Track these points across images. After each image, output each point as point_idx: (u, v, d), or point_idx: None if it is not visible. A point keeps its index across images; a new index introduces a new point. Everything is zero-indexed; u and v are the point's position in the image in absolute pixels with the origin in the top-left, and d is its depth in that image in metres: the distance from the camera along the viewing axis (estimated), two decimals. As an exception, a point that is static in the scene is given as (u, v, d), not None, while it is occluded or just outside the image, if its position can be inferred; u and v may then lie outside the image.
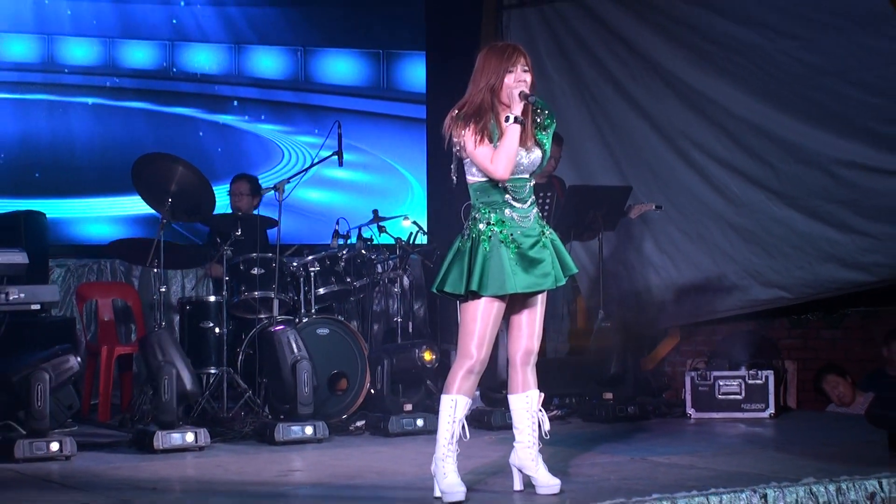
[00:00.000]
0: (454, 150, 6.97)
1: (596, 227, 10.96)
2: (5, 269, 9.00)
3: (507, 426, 9.68)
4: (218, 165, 12.89)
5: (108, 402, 10.78)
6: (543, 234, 7.04)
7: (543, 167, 7.14)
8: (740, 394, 10.57)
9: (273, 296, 10.31)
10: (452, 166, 7.02)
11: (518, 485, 7.16)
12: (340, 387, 10.19)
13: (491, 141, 6.82)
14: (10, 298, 8.87)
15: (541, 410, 7.15)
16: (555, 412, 10.63)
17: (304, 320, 10.14)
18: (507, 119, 6.79)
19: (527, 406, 7.10)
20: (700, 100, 12.13)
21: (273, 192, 10.26)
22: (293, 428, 9.29)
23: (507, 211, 6.92)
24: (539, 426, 7.13)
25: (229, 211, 11.34)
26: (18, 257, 9.07)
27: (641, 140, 12.61)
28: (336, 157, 10.59)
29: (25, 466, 8.21)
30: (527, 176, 6.98)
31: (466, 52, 13.85)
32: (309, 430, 9.32)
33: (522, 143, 6.88)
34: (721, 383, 10.59)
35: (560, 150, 11.48)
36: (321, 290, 10.53)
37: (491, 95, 6.87)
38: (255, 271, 10.43)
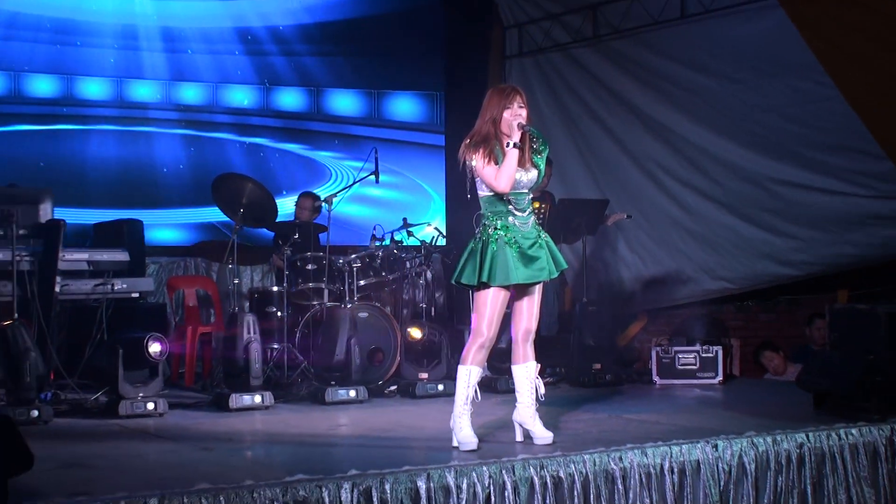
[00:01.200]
0: (467, 170, 7.05)
1: (580, 231, 10.94)
2: (111, 265, 9.05)
3: (510, 390, 9.71)
4: (280, 182, 12.86)
5: (192, 371, 10.77)
6: (540, 236, 7.12)
7: (539, 184, 7.20)
8: (696, 364, 10.53)
9: (324, 286, 10.30)
10: (467, 183, 7.13)
11: (519, 437, 7.21)
12: (377, 359, 10.17)
13: (496, 163, 6.93)
14: (116, 288, 8.93)
15: (537, 378, 7.19)
16: (548, 379, 10.59)
17: (348, 306, 10.12)
18: (507, 145, 6.89)
19: (527, 374, 7.16)
20: (663, 130, 12.15)
21: (324, 203, 10.26)
22: (340, 391, 9.27)
23: (510, 219, 7.02)
24: (536, 390, 7.17)
25: (291, 219, 11.29)
26: (122, 256, 9.12)
27: (615, 162, 12.63)
28: (374, 176, 10.57)
29: (127, 422, 8.21)
30: (525, 191, 7.06)
31: (477, 92, 13.86)
32: (352, 393, 9.30)
33: (521, 164, 6.97)
34: (680, 356, 10.56)
35: (551, 169, 11.42)
36: (362, 282, 10.52)
37: (494, 127, 6.98)
38: (309, 267, 10.42)
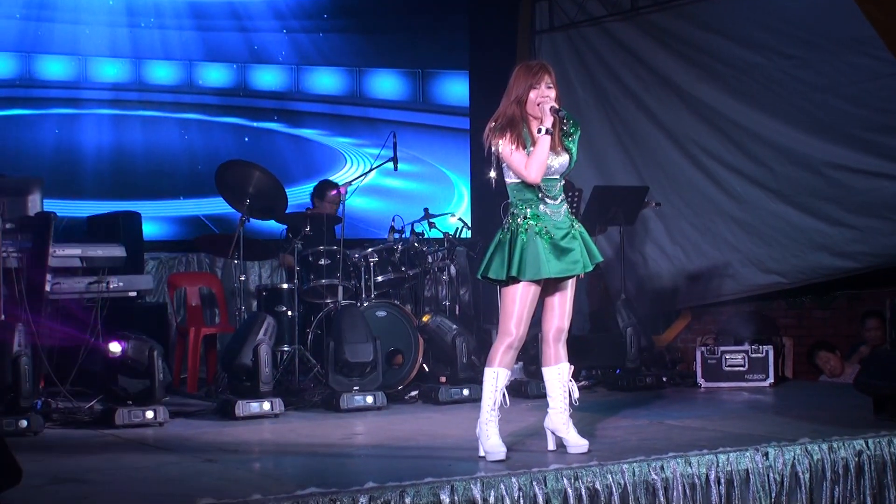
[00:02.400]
0: (493, 156, 7.00)
1: (617, 221, 10.92)
2: (106, 261, 9.02)
3: (542, 395, 9.69)
4: (290, 170, 12.86)
5: (195, 376, 10.79)
6: (573, 227, 7.05)
7: (572, 168, 7.13)
8: (744, 366, 10.53)
9: (338, 283, 10.29)
10: (492, 169, 7.14)
11: (552, 445, 7.17)
12: (396, 361, 10.16)
13: (524, 148, 6.88)
14: (111, 287, 8.91)
15: (571, 381, 7.15)
16: (582, 382, 10.60)
17: (365, 304, 10.11)
18: (539, 130, 6.84)
19: (559, 377, 7.11)
20: (707, 111, 12.11)
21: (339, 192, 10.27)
22: (356, 397, 9.26)
23: (540, 207, 6.95)
24: (570, 394, 7.13)
25: (301, 210, 11.27)
26: (118, 251, 9.10)
27: (656, 146, 12.60)
28: (392, 163, 10.56)
29: (124, 432, 8.21)
30: (557, 177, 7.01)
31: (504, 70, 13.83)
32: (370, 399, 9.29)
33: (552, 148, 6.90)
34: (727, 357, 10.57)
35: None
36: (379, 278, 10.50)
37: (519, 108, 6.94)
38: (322, 262, 10.40)
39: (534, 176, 6.84)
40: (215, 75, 13.25)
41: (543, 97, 6.89)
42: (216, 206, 11.70)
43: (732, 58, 11.87)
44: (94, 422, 8.55)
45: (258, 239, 11.09)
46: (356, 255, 10.49)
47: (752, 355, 10.56)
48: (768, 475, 6.88)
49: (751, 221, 11.98)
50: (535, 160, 6.83)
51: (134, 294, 9.16)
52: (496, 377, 6.98)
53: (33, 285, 8.42)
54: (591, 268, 7.11)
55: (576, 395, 7.17)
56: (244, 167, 10.17)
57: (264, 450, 7.89)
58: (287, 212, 10.58)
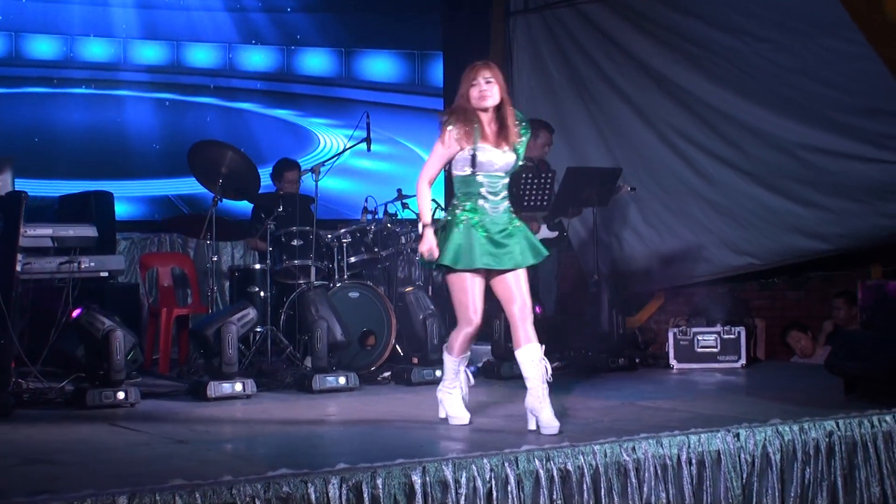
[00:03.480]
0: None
1: (591, 202, 10.92)
2: (78, 241, 8.96)
3: (515, 376, 9.72)
4: (262, 151, 12.83)
5: (167, 357, 10.74)
6: (512, 223, 7.31)
7: (516, 168, 7.37)
8: (716, 347, 10.56)
9: (311, 264, 10.27)
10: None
11: (531, 425, 7.25)
12: (369, 342, 10.14)
13: (472, 143, 7.17)
14: (83, 267, 8.84)
15: (543, 359, 7.22)
16: (555, 364, 10.56)
17: (337, 285, 10.10)
18: (420, 228, 7.33)
19: (531, 357, 7.20)
20: (681, 93, 12.10)
21: (311, 173, 10.23)
22: (328, 378, 9.24)
23: (480, 202, 7.23)
24: (546, 372, 7.23)
25: (272, 191, 11.25)
26: (89, 231, 9.04)
27: (629, 127, 12.59)
28: (365, 143, 10.54)
29: (95, 412, 8.18)
30: (502, 174, 7.27)
31: (479, 52, 13.90)
32: (342, 380, 9.26)
33: (498, 146, 7.22)
34: (700, 338, 10.59)
35: (551, 137, 11.46)
36: (352, 259, 10.49)
37: (468, 104, 7.22)
38: (294, 242, 10.38)
39: (422, 179, 7.29)
40: (195, 55, 13.19)
41: (483, 94, 7.17)
42: (188, 186, 11.66)
43: (707, 40, 11.83)
44: (66, 402, 8.51)
45: (230, 219, 11.08)
46: (329, 236, 10.47)
47: (725, 336, 10.58)
48: (739, 456, 6.89)
49: (724, 203, 11.98)
50: (424, 179, 7.31)
51: (106, 274, 9.09)
52: (457, 363, 7.47)
53: (4, 266, 8.37)
54: (529, 263, 7.32)
55: (549, 372, 7.25)
56: (217, 147, 10.16)
57: (236, 431, 7.87)
58: (260, 192, 10.56)
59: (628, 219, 12.56)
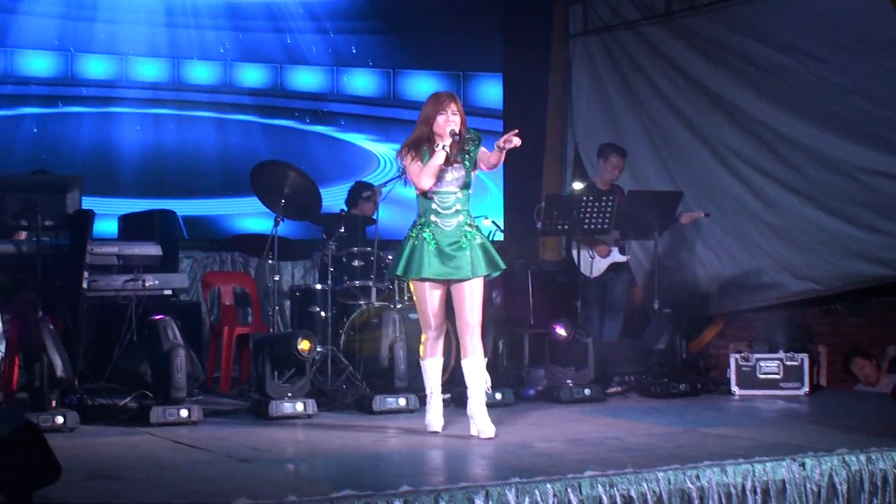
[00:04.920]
0: (399, 169, 8.19)
1: (651, 227, 10.86)
2: (142, 259, 9.04)
3: (575, 400, 9.70)
4: (324, 171, 12.83)
5: (228, 375, 10.77)
6: (465, 237, 7.90)
7: (470, 181, 8.00)
8: (779, 373, 10.48)
9: (371, 284, 10.26)
10: (403, 181, 8.21)
11: (473, 430, 7.93)
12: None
13: (421, 161, 7.90)
14: (147, 285, 8.91)
15: (484, 371, 7.95)
16: (616, 388, 10.55)
17: (398, 306, 10.07)
18: (436, 145, 7.83)
19: (471, 368, 7.91)
20: (740, 115, 12.04)
21: (373, 194, 10.24)
22: (389, 399, 9.22)
23: (432, 217, 7.92)
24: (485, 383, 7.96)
25: (335, 211, 11.23)
26: (153, 249, 9.11)
27: (689, 150, 12.53)
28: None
29: (158, 430, 8.19)
30: (452, 189, 7.93)
31: (538, 74, 13.90)
32: (402, 401, 9.26)
33: (446, 162, 7.83)
34: (762, 364, 10.52)
35: (623, 161, 11.49)
36: (413, 280, 10.47)
37: (427, 128, 7.93)
38: (356, 263, 10.39)
39: (423, 183, 7.86)
40: (251, 75, 13.24)
41: (449, 121, 7.82)
42: (251, 205, 11.67)
43: (765, 61, 11.80)
44: (129, 419, 8.54)
45: (292, 239, 11.09)
46: (390, 257, 10.44)
47: (788, 363, 10.50)
48: (805, 485, 6.81)
49: (784, 227, 11.88)
50: (425, 170, 7.84)
51: (169, 292, 9.16)
52: (426, 367, 8.15)
53: (71, 283, 8.41)
54: (479, 275, 7.89)
55: (489, 383, 8.03)
56: (280, 167, 10.17)
57: (298, 450, 7.85)
58: (322, 212, 10.57)
59: (688, 242, 12.48)
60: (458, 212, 7.91)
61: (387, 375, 9.40)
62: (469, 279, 7.86)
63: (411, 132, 8.07)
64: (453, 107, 7.89)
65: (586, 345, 10.04)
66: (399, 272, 7.97)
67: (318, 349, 10.00)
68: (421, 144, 7.92)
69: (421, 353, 8.15)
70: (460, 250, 7.84)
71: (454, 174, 7.89)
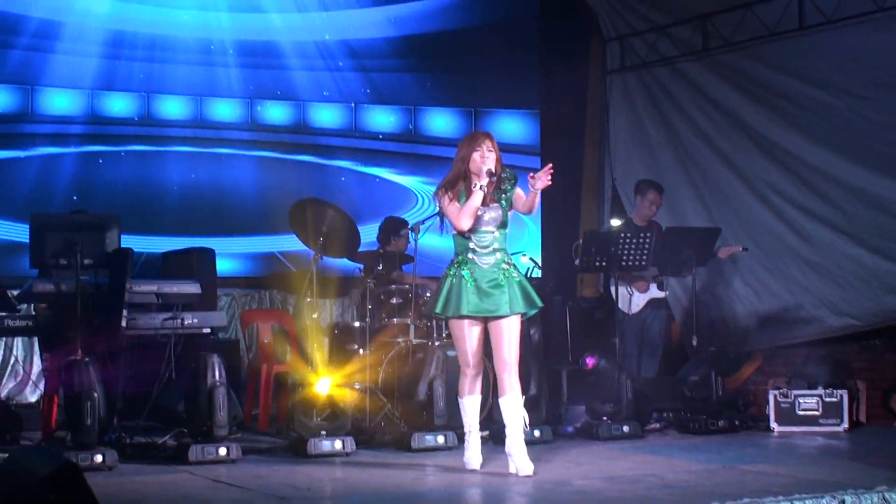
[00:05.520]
0: (437, 209, 8.26)
1: (689, 263, 10.84)
2: (181, 297, 9.06)
3: (614, 437, 9.66)
4: (361, 209, 12.85)
5: (267, 413, 10.76)
6: (504, 275, 7.94)
7: (507, 220, 8.06)
8: (818, 410, 10.45)
9: (409, 322, 10.27)
10: (439, 221, 8.26)
11: (511, 468, 7.90)
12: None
13: (459, 201, 7.96)
14: (185, 323, 8.93)
15: (522, 409, 7.95)
16: (654, 425, 10.52)
17: (436, 343, 10.07)
18: (473, 185, 7.87)
19: (509, 406, 7.90)
20: (778, 151, 12.01)
21: (410, 231, 10.25)
22: (427, 437, 9.22)
23: (470, 255, 7.98)
24: (523, 421, 7.97)
25: (373, 249, 11.26)
26: (192, 287, 9.13)
27: (727, 186, 12.50)
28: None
29: (197, 468, 8.20)
30: (489, 229, 7.99)
31: (575, 110, 13.91)
32: (441, 438, 9.25)
33: (485, 203, 7.90)
34: (801, 400, 10.49)
35: (660, 197, 11.52)
36: (451, 317, 10.47)
37: (464, 168, 7.98)
38: (394, 300, 10.40)
39: (462, 224, 7.90)
40: (285, 113, 13.27)
41: (484, 158, 7.88)
42: (289, 243, 11.70)
43: (804, 98, 11.78)
44: (168, 457, 8.56)
45: (331, 277, 11.11)
46: (428, 294, 10.46)
47: (827, 399, 10.46)
48: (845, 523, 6.78)
49: (823, 263, 11.83)
50: (464, 211, 7.88)
51: (207, 330, 9.17)
52: (465, 404, 8.16)
53: (111, 321, 8.45)
54: (516, 312, 7.93)
55: (526, 421, 8.04)
56: (318, 205, 10.20)
57: (336, 488, 7.86)
58: (359, 250, 10.59)
59: (726, 279, 12.44)
60: (495, 250, 7.96)
61: (426, 413, 9.40)
62: (507, 316, 7.86)
63: (447, 173, 8.13)
64: (488, 144, 7.95)
65: (624, 381, 10.02)
66: (437, 310, 8.01)
67: (357, 386, 10.01)
68: (457, 184, 7.98)
69: (459, 391, 8.17)
70: (498, 288, 7.87)
71: (491, 214, 7.95)
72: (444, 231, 8.20)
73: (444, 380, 9.44)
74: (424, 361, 9.62)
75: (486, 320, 7.95)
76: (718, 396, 10.59)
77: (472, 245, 7.95)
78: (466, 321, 7.94)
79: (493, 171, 7.86)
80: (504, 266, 7.97)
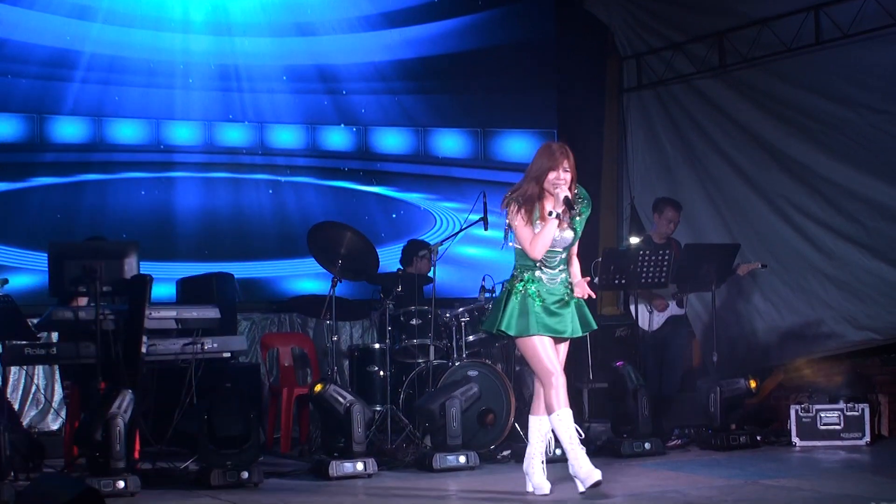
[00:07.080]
0: (507, 221, 7.79)
1: (709, 279, 10.83)
2: (201, 322, 9.08)
3: (636, 454, 9.65)
4: (380, 231, 12.88)
5: (288, 436, 10.79)
6: (568, 294, 7.76)
7: (574, 244, 7.80)
8: (840, 424, 10.42)
9: (429, 343, 10.29)
10: (505, 232, 7.85)
11: (580, 487, 7.67)
12: (488, 421, 10.09)
13: (532, 224, 7.66)
14: (206, 348, 8.95)
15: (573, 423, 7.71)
16: (675, 441, 10.49)
17: (456, 363, 10.09)
18: (549, 213, 7.60)
19: (563, 420, 7.65)
20: (797, 167, 12.03)
21: (430, 252, 10.28)
22: (449, 457, 9.22)
23: (537, 273, 7.70)
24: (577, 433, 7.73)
25: (392, 270, 11.28)
26: (212, 312, 9.15)
27: (746, 203, 12.51)
28: (482, 222, 10.53)
29: (220, 493, 8.21)
30: (559, 249, 7.71)
31: (592, 128, 13.92)
32: (462, 458, 9.25)
33: (559, 226, 7.60)
34: (822, 415, 10.46)
35: (678, 214, 11.52)
36: (470, 338, 10.51)
37: (537, 185, 7.66)
38: (413, 322, 10.43)
39: (536, 254, 7.62)
40: (292, 136, 13.28)
41: (560, 180, 7.58)
42: (308, 266, 11.73)
43: (821, 113, 11.79)
44: (190, 482, 8.58)
45: (350, 300, 11.13)
46: (447, 315, 10.50)
47: (848, 413, 10.43)
48: (869, 537, 6.78)
49: (843, 278, 11.82)
50: (540, 240, 7.59)
51: (228, 355, 9.20)
52: (540, 423, 7.85)
53: (130, 348, 8.48)
54: (580, 334, 7.82)
55: (581, 435, 7.77)
56: (336, 228, 10.24)
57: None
58: (378, 272, 10.62)
59: (746, 295, 12.43)
60: (561, 270, 7.76)
61: (441, 433, 9.40)
62: (569, 336, 7.78)
63: (518, 183, 7.81)
64: (566, 163, 7.63)
65: (641, 398, 10.01)
66: (502, 327, 7.69)
67: (378, 408, 10.03)
68: (532, 203, 7.69)
69: (552, 406, 7.70)
70: (565, 307, 7.72)
71: (563, 235, 7.68)
72: (505, 245, 7.86)
73: (460, 401, 9.39)
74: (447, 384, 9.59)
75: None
76: (739, 412, 10.56)
77: (539, 264, 7.69)
78: (539, 335, 7.65)
79: (570, 198, 7.59)
80: (567, 285, 7.78)
